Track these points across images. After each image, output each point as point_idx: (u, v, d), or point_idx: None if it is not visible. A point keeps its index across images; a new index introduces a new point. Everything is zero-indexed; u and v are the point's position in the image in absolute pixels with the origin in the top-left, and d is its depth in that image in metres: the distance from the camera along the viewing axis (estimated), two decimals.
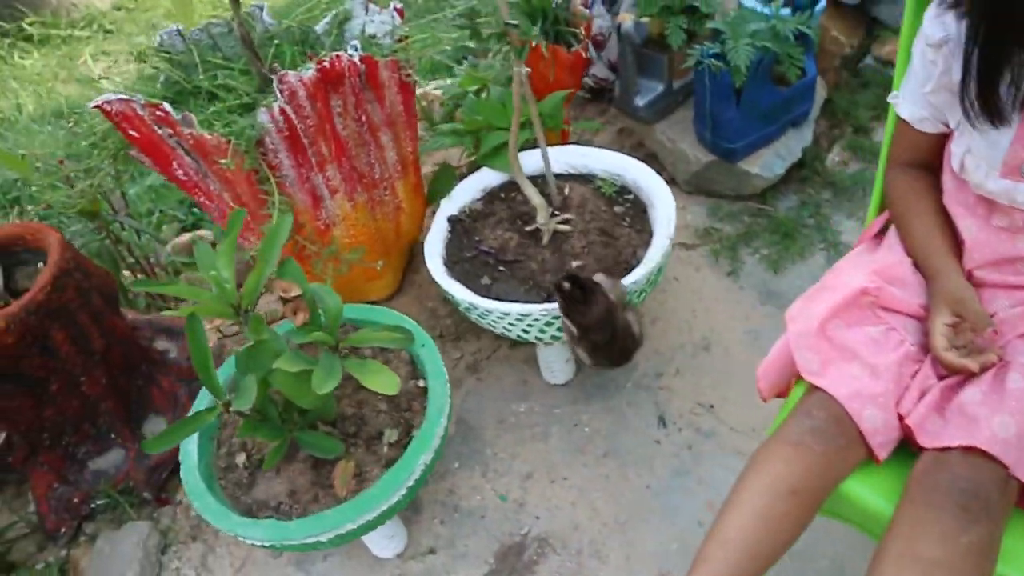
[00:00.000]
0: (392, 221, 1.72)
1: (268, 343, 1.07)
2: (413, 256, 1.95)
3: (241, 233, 1.65)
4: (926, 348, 0.93)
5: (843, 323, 0.93)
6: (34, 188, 1.60)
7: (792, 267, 1.78)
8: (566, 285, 1.23)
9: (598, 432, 1.57)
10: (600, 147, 1.67)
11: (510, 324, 1.38)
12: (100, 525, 1.61)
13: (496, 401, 1.65)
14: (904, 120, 1.03)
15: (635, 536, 1.41)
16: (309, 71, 1.40)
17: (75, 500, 1.60)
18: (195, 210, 2.55)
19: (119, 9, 4.14)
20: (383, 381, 1.10)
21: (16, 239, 1.57)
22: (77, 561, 1.54)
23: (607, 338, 1.28)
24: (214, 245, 2.46)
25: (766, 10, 1.62)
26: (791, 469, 0.86)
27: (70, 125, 1.59)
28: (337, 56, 1.43)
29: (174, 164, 1.54)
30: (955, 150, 0.95)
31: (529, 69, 1.31)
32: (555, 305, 1.33)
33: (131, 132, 1.48)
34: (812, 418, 0.88)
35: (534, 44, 1.34)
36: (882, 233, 1.12)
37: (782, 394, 1.10)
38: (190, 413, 1.34)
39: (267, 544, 1.15)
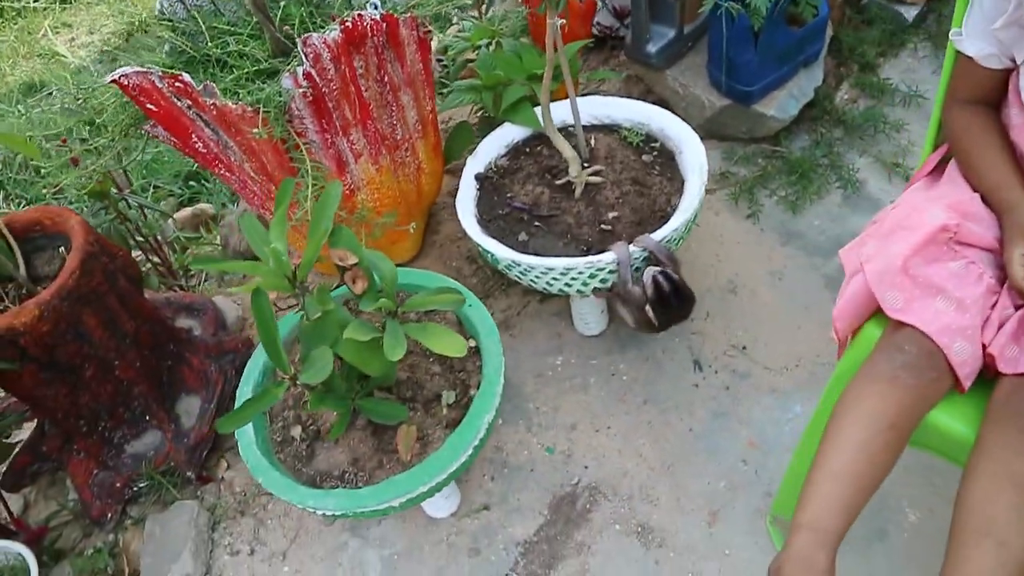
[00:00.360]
0: (414, 182, 1.70)
1: (333, 314, 1.06)
2: (431, 216, 1.94)
3: (262, 205, 1.62)
4: (1003, 279, 0.96)
5: (923, 260, 0.95)
6: (43, 170, 1.54)
7: (810, 207, 1.81)
8: (665, 287, 1.30)
9: (636, 380, 1.60)
10: (608, 95, 1.66)
11: (553, 279, 1.39)
12: (145, 507, 1.61)
13: (532, 356, 1.66)
14: (967, 57, 1.04)
15: (682, 478, 1.45)
16: (333, 32, 1.36)
17: (117, 485, 1.59)
18: (191, 183, 2.49)
19: None
20: (449, 343, 1.10)
21: (34, 224, 1.53)
22: (128, 544, 1.54)
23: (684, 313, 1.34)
24: (214, 219, 2.41)
25: None
26: (887, 403, 0.89)
27: (79, 102, 1.53)
28: (359, 15, 1.39)
29: (193, 137, 1.50)
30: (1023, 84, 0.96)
31: (564, 20, 1.28)
32: (599, 257, 1.34)
33: (149, 106, 1.43)
34: (904, 353, 0.91)
35: None
36: (937, 170, 1.14)
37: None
38: (242, 391, 1.33)
39: (339, 513, 1.16)
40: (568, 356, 1.65)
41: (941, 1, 2.08)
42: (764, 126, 1.86)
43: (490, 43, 1.83)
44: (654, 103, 1.97)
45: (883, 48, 2.00)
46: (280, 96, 1.39)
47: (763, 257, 1.75)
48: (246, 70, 1.48)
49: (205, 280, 2.09)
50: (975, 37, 1.02)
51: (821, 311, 1.64)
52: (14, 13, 3.86)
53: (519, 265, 1.39)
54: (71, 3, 3.87)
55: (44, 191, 1.62)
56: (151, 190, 2.46)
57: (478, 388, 1.27)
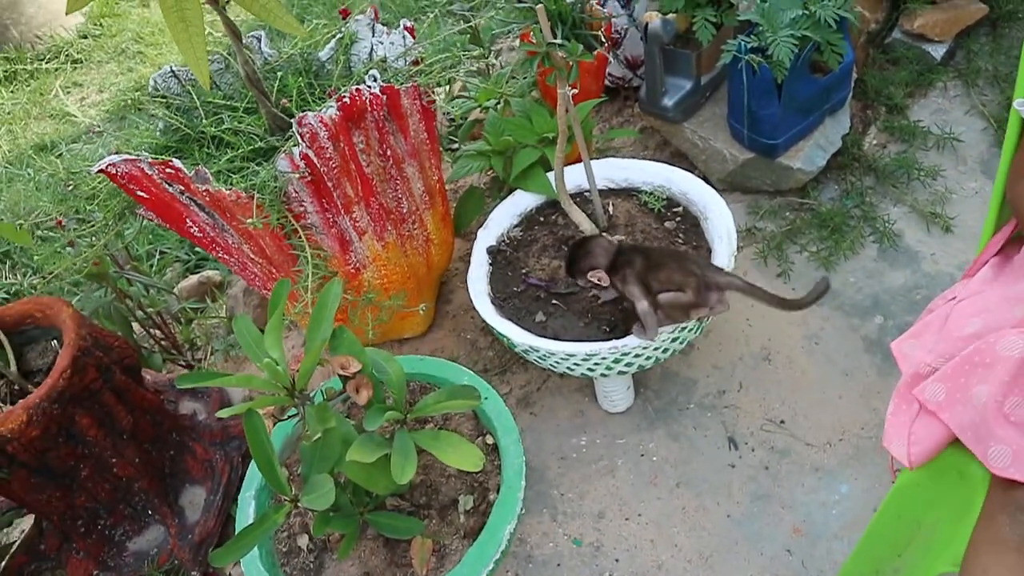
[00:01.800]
0: (422, 255, 1.62)
1: (336, 432, 0.97)
2: (443, 284, 1.85)
3: (264, 285, 1.54)
4: None
5: (1021, 398, 0.82)
6: (36, 257, 1.47)
7: (844, 263, 1.70)
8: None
9: (667, 460, 1.49)
10: (619, 150, 1.57)
11: (574, 364, 1.29)
12: None
13: (554, 436, 1.56)
14: None
15: (723, 571, 1.34)
16: (330, 110, 1.28)
17: None
18: (197, 249, 2.42)
19: (84, 37, 3.95)
20: (463, 456, 1.01)
21: (25, 317, 1.46)
22: None
23: None
24: (219, 286, 2.33)
25: None
26: None
27: (69, 188, 1.46)
28: (357, 90, 1.31)
29: (188, 222, 1.43)
30: None
31: (576, 90, 1.20)
32: (624, 342, 1.24)
33: (139, 193, 1.37)
34: None
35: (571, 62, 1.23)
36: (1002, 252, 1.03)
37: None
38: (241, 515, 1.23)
39: None
40: (593, 435, 1.54)
41: (969, 37, 1.98)
42: (791, 179, 1.76)
43: (498, 102, 1.75)
44: (672, 155, 1.89)
45: (911, 89, 1.90)
46: (276, 180, 1.31)
47: (797, 320, 1.64)
48: (241, 150, 1.40)
49: (212, 354, 2.02)
50: None
51: (863, 377, 1.53)
52: (27, 75, 3.87)
53: (537, 350, 1.29)
54: (82, 63, 3.88)
55: (36, 280, 1.54)
56: (157, 256, 2.40)
57: (498, 491, 1.17)
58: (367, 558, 1.15)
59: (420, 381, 1.35)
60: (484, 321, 1.33)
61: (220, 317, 2.07)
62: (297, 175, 1.27)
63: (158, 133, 1.56)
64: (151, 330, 1.91)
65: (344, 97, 1.30)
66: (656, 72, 1.72)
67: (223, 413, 0.92)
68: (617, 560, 1.38)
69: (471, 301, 1.40)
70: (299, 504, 0.99)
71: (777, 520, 1.38)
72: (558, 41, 1.15)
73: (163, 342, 1.95)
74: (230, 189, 1.28)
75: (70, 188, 1.46)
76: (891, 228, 1.71)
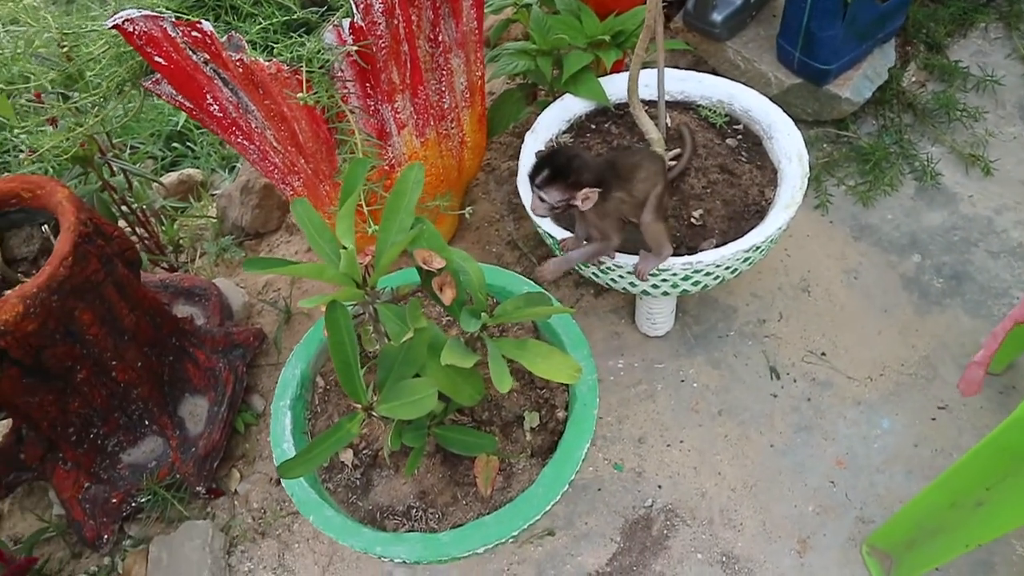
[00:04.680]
0: (456, 157, 1.49)
1: (425, 334, 0.86)
2: (466, 194, 1.73)
3: (283, 179, 1.39)
4: None
5: None
6: (16, 131, 1.27)
7: (883, 199, 1.67)
8: None
9: (708, 387, 1.44)
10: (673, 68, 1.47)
11: (638, 280, 1.21)
12: (146, 526, 1.40)
13: None
14: None
15: (767, 500, 1.32)
16: None
17: (113, 501, 1.37)
18: (174, 145, 2.20)
19: None
20: (556, 366, 0.92)
21: (10, 197, 1.27)
22: (129, 571, 1.33)
23: None
24: (203, 185, 2.14)
25: None
26: None
27: (64, 50, 1.25)
28: None
29: (208, 98, 1.26)
30: None
31: None
32: (699, 257, 1.17)
33: (157, 59, 1.18)
34: None
35: None
36: None
37: None
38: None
39: (411, 561, 0.97)
40: (630, 359, 1.48)
41: None
42: (835, 108, 1.70)
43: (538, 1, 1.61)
44: None
45: (951, 28, 1.85)
46: (321, 54, 1.15)
47: (836, 253, 1.60)
48: (275, 20, 1.23)
49: (200, 256, 1.85)
50: None
51: (901, 315, 1.51)
52: None
53: (602, 262, 1.20)
54: None
55: (20, 155, 1.34)
56: (127, 151, 2.16)
57: (565, 408, 1.10)
58: (422, 476, 1.06)
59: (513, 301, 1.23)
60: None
61: (208, 217, 1.89)
62: (355, 48, 1.12)
63: None
64: (134, 228, 1.72)
65: None
66: None
67: (309, 302, 0.80)
68: (659, 487, 1.34)
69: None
70: (373, 414, 0.89)
71: (820, 452, 1.36)
72: None
73: (146, 241, 1.77)
74: (269, 60, 1.12)
75: (64, 49, 1.25)
76: (933, 168, 1.68)
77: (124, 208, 1.66)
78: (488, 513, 1.00)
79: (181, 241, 1.87)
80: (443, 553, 0.96)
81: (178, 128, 2.21)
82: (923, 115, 1.75)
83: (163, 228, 1.86)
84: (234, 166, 2.09)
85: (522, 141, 1.41)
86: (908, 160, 1.70)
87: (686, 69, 1.79)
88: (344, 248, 0.89)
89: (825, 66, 1.60)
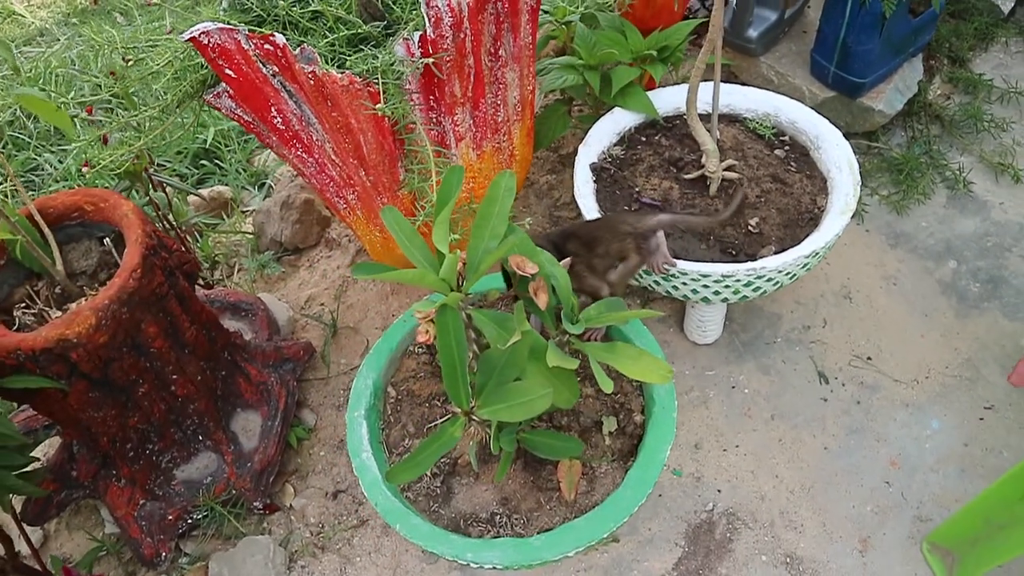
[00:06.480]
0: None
1: (528, 337, 0.87)
2: None
3: (339, 193, 1.40)
4: None
5: None
6: (73, 145, 1.27)
7: (916, 208, 1.71)
8: None
9: (759, 393, 1.46)
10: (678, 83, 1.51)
11: (703, 286, 1.23)
12: (202, 543, 1.38)
13: None
14: None
15: (825, 501, 1.33)
16: None
17: (169, 518, 1.36)
18: (202, 163, 2.20)
19: None
20: (647, 368, 0.93)
21: (72, 210, 1.27)
22: None
23: None
24: (234, 201, 2.14)
25: None
26: None
27: (129, 63, 1.26)
28: None
29: (273, 111, 1.27)
30: None
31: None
32: (763, 263, 1.19)
33: (228, 71, 1.20)
34: None
35: None
36: None
37: None
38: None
39: (502, 567, 0.98)
40: (681, 366, 1.50)
41: None
42: (867, 121, 1.74)
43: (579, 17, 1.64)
44: None
45: (972, 42, 1.91)
46: (394, 66, 1.17)
47: (874, 260, 1.64)
48: (340, 33, 1.25)
49: (237, 271, 1.84)
50: None
51: (941, 319, 1.54)
52: None
53: (667, 270, 1.22)
54: None
55: (80, 170, 1.33)
56: (154, 167, 2.16)
57: (641, 412, 1.11)
58: (503, 483, 1.07)
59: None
60: None
61: (244, 232, 1.89)
62: (430, 60, 1.14)
63: (221, 12, 1.37)
64: (175, 247, 1.71)
65: None
66: (747, 0, 1.66)
67: (420, 306, 0.81)
68: (719, 491, 1.35)
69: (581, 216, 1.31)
70: (473, 418, 0.90)
71: (873, 453, 1.38)
72: None
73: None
74: (342, 73, 1.14)
75: (129, 62, 1.26)
76: (963, 177, 1.72)
77: (164, 224, 1.66)
78: (573, 517, 1.01)
79: (216, 257, 1.87)
80: (535, 557, 0.96)
81: (206, 146, 2.21)
82: (951, 126, 1.80)
83: (198, 244, 1.85)
84: (264, 183, 2.10)
85: (558, 156, 1.44)
86: (939, 169, 1.75)
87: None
88: (442, 254, 0.91)
89: (860, 79, 1.64)
